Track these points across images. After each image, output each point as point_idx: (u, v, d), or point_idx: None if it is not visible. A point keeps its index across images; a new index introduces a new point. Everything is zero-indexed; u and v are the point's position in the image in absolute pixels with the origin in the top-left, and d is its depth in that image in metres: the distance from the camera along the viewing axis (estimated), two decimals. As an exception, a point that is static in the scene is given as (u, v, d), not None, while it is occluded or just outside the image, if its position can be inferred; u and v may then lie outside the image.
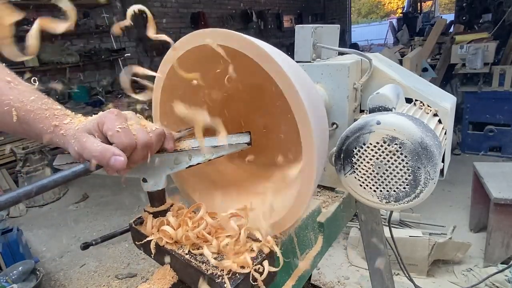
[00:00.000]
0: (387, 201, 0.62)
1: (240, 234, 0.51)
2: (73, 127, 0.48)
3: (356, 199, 0.66)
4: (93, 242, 0.58)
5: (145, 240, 0.56)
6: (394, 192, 0.61)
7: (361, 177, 0.63)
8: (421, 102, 0.77)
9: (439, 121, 0.76)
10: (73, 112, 0.52)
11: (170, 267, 0.55)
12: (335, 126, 0.81)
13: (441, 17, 8.24)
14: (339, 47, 0.87)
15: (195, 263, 0.49)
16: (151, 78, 0.59)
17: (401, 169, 0.58)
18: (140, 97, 0.58)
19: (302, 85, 0.48)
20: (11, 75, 0.51)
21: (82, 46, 5.12)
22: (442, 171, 0.74)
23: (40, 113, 0.48)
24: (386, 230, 1.22)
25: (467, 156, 3.99)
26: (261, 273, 0.48)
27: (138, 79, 0.57)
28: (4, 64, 0.52)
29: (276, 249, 0.50)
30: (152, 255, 0.56)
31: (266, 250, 0.50)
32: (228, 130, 0.77)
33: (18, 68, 3.98)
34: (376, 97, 0.68)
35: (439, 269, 2.25)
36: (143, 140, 0.48)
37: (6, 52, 0.45)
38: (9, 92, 0.48)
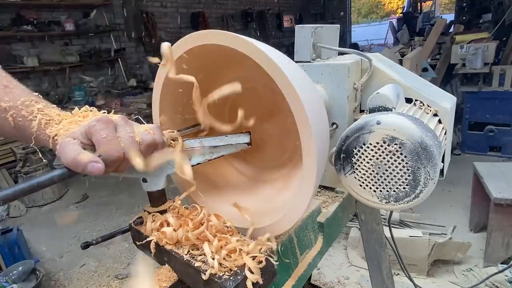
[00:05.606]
0: (387, 201, 0.62)
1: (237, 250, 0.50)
2: (65, 133, 0.46)
3: (356, 199, 0.66)
4: (94, 242, 0.58)
5: (145, 240, 0.56)
6: (394, 192, 0.61)
7: (361, 177, 0.63)
8: (421, 102, 0.77)
9: (439, 121, 0.76)
10: (70, 114, 0.51)
11: (170, 267, 0.55)
12: (335, 126, 0.81)
13: (441, 17, 8.23)
14: (339, 47, 0.87)
15: (195, 263, 0.49)
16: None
17: (401, 169, 0.58)
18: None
19: (302, 85, 0.48)
20: (6, 78, 0.50)
21: (82, 46, 5.12)
22: (442, 171, 0.74)
23: (35, 118, 0.47)
24: (386, 230, 1.22)
25: (467, 156, 3.99)
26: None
27: None
28: (0, 66, 0.52)
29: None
30: (152, 255, 0.56)
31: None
32: (228, 130, 0.76)
33: (19, 68, 3.98)
34: (376, 97, 0.68)
35: (439, 269, 2.25)
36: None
37: None
38: (5, 97, 0.47)
